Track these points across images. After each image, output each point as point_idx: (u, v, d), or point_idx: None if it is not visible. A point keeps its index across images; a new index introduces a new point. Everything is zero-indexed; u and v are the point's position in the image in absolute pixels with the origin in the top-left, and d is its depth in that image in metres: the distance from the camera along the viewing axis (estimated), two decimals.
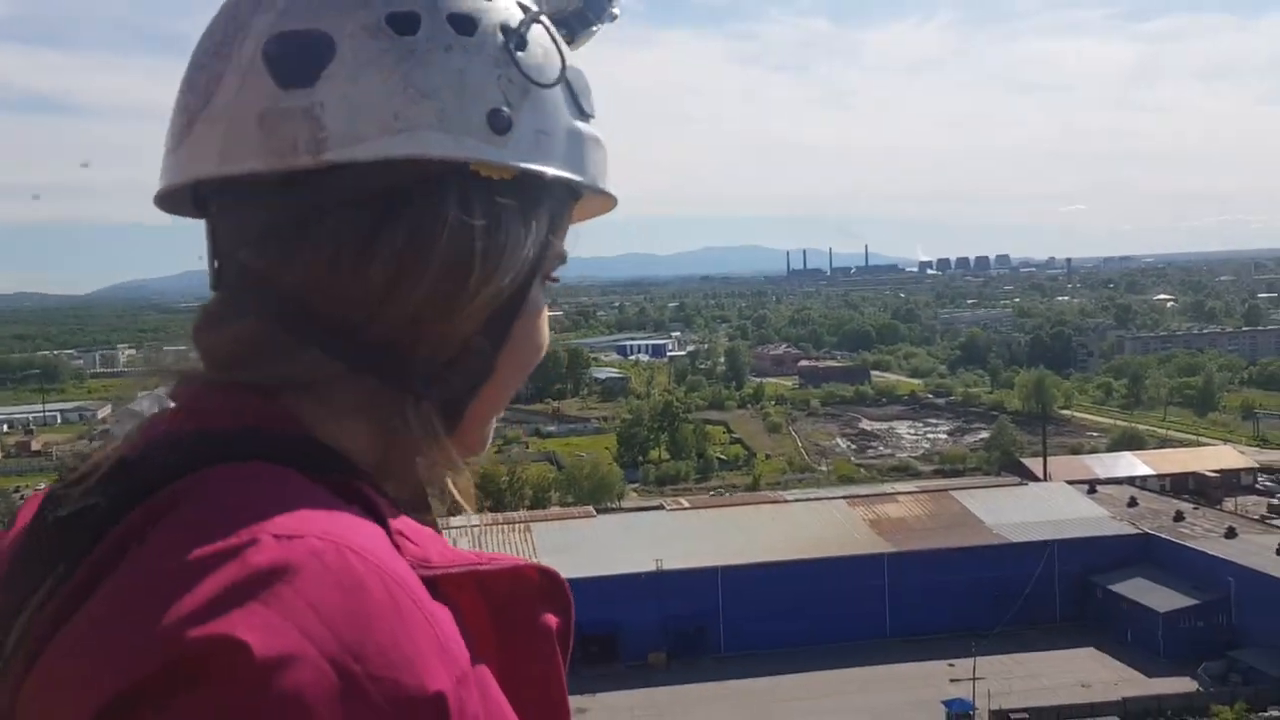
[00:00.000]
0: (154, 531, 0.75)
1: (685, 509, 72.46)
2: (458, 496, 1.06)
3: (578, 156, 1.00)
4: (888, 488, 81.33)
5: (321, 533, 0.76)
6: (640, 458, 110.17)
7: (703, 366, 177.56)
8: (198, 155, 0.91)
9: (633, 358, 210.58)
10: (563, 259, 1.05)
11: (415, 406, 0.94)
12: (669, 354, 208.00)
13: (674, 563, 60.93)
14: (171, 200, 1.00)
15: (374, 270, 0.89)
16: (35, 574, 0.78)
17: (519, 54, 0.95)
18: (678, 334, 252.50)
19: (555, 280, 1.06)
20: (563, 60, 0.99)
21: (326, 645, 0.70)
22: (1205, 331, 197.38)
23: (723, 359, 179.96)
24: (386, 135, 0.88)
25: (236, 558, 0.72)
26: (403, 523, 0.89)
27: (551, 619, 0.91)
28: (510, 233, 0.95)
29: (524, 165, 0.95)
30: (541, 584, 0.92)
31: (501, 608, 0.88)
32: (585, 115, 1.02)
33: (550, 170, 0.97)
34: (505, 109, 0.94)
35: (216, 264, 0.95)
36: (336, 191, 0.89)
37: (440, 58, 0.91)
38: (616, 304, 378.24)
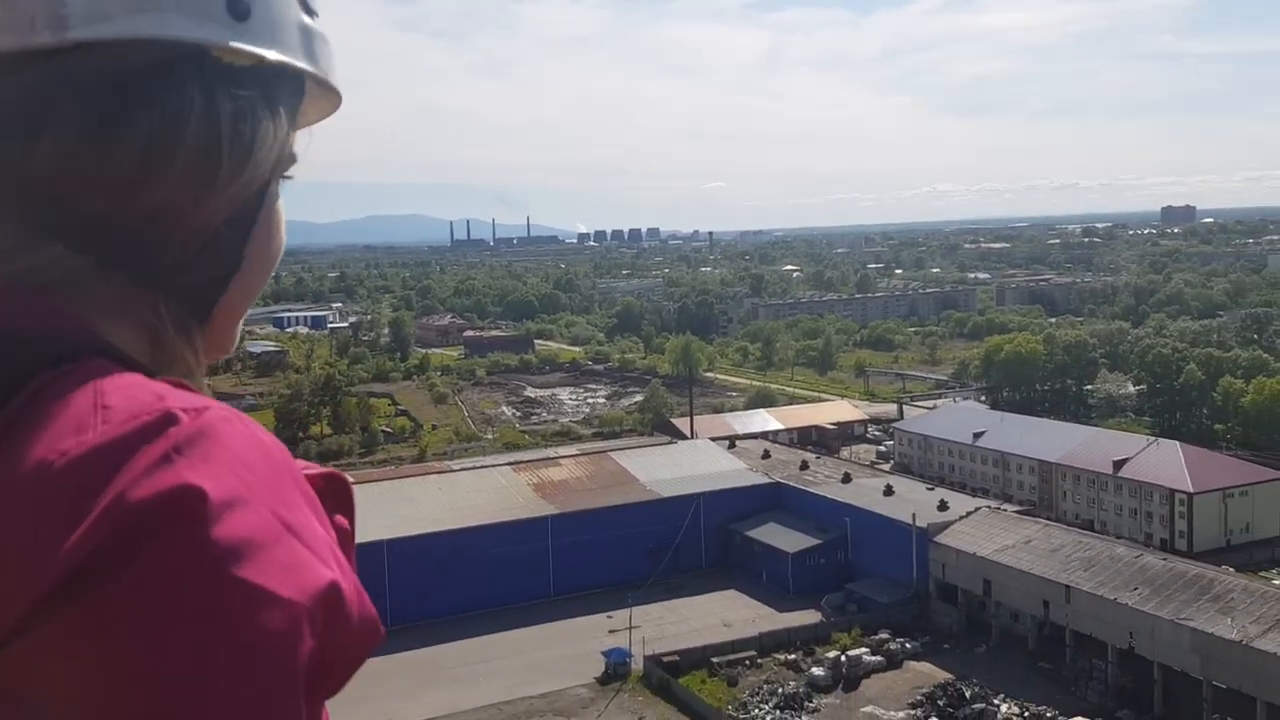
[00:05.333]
0: (34, 422, 0.73)
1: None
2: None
3: (311, 50, 0.99)
4: (550, 452, 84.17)
5: (218, 405, 0.77)
6: (301, 434, 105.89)
7: (366, 338, 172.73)
8: None
9: (291, 330, 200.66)
10: (294, 159, 1.03)
11: (166, 302, 0.92)
12: (330, 326, 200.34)
13: None
14: None
15: (122, 154, 0.85)
16: None
17: None
18: (339, 305, 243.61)
19: (289, 178, 1.05)
20: None
21: (260, 493, 0.73)
22: (825, 299, 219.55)
23: (387, 330, 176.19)
24: (131, 14, 0.85)
25: (158, 427, 0.73)
26: None
27: (343, 521, 0.92)
28: (258, 122, 0.93)
29: (264, 52, 0.93)
30: (328, 488, 0.91)
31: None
32: (311, 11, 1.00)
33: (289, 60, 0.96)
34: None
35: None
36: (76, 72, 0.85)
37: None
38: (272, 273, 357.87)
